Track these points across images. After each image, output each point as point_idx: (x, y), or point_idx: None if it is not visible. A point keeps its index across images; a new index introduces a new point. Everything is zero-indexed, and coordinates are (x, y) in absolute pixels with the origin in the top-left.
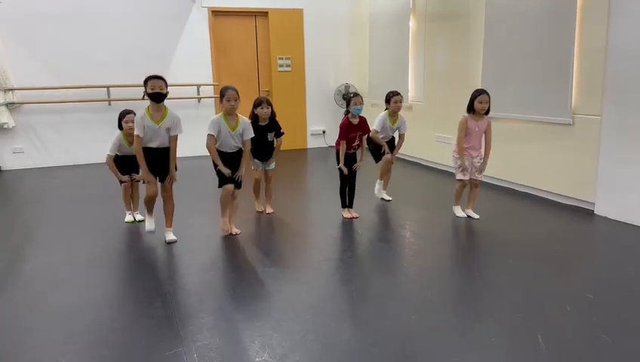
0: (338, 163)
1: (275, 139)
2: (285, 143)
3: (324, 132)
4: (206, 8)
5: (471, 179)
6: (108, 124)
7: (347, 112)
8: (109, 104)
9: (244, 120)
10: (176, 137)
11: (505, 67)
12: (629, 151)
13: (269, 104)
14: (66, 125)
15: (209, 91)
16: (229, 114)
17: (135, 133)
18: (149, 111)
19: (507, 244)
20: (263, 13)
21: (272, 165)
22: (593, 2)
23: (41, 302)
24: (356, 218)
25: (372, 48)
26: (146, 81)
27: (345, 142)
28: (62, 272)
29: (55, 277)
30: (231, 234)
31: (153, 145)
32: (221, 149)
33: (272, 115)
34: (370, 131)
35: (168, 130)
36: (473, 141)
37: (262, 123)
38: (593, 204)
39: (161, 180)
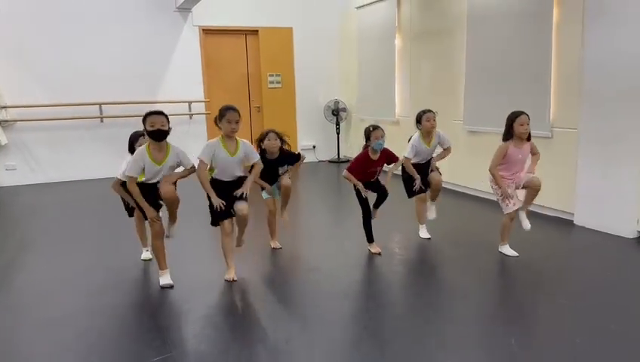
0: (357, 193)
1: (286, 171)
2: None
3: (314, 147)
4: (197, 27)
5: (525, 185)
6: (100, 141)
7: (366, 146)
8: (102, 121)
9: (245, 143)
10: (190, 170)
11: (486, 82)
12: (605, 162)
13: (278, 136)
14: (58, 142)
15: (200, 108)
16: (228, 137)
17: (127, 173)
18: (150, 149)
19: (491, 253)
20: (254, 32)
21: (276, 193)
22: (568, 19)
23: (32, 312)
24: (379, 253)
25: (360, 65)
26: (145, 118)
27: (360, 174)
28: (53, 284)
29: (46, 289)
30: (234, 280)
31: (152, 181)
32: (219, 178)
33: (282, 146)
34: (397, 159)
35: (173, 168)
36: (516, 168)
37: (270, 157)
38: (572, 214)
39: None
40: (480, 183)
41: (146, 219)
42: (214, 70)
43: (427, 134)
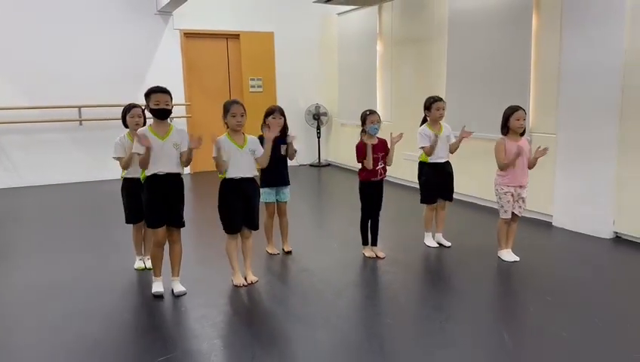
0: (361, 193)
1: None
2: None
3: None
4: (178, 30)
5: (515, 213)
6: (79, 144)
7: (362, 131)
8: (81, 124)
9: (252, 137)
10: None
11: (467, 88)
12: (582, 166)
13: (282, 113)
14: (36, 145)
15: (181, 111)
16: (235, 131)
17: (134, 150)
18: (152, 127)
19: (474, 255)
20: (235, 36)
21: (287, 194)
22: (547, 27)
23: (24, 318)
24: (382, 258)
25: (341, 70)
26: (148, 94)
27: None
28: (41, 291)
29: (33, 295)
30: (245, 284)
31: (160, 169)
32: (231, 176)
33: (285, 126)
34: (388, 150)
35: (177, 146)
36: (517, 165)
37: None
38: (551, 216)
39: (172, 223)
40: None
41: (149, 225)
42: (195, 74)
43: (434, 123)
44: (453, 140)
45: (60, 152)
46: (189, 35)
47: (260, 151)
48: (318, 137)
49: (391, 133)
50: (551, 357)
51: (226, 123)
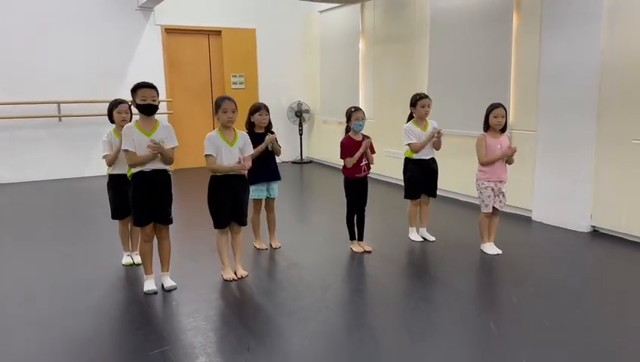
0: (346, 190)
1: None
2: None
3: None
4: (159, 26)
5: (495, 207)
6: (58, 141)
7: (348, 129)
8: (60, 120)
9: (242, 133)
10: (173, 150)
11: (449, 87)
12: (561, 162)
13: (267, 110)
14: (14, 141)
15: (162, 107)
16: (226, 127)
17: (123, 147)
18: (138, 123)
19: (457, 248)
20: (217, 32)
21: (277, 190)
22: (527, 28)
23: (14, 313)
24: (369, 252)
25: (323, 67)
26: (134, 90)
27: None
28: (27, 287)
29: (20, 292)
30: (234, 279)
31: (146, 166)
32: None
33: (269, 123)
34: (373, 152)
35: (162, 142)
36: (496, 163)
37: (258, 131)
38: (531, 211)
39: (159, 221)
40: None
41: (135, 223)
42: (177, 70)
43: (420, 121)
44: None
45: (39, 149)
46: (170, 31)
47: (248, 150)
48: (300, 134)
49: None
50: (534, 343)
51: (217, 118)
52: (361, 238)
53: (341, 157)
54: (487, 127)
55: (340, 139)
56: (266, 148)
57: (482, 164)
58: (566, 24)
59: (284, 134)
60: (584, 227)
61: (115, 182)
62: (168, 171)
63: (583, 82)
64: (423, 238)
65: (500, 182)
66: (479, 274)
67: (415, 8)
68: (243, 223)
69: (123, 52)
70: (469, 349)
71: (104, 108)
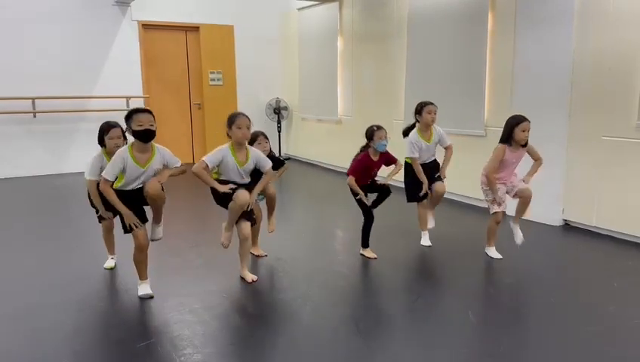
0: (355, 195)
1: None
2: None
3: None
4: (136, 22)
5: (518, 194)
6: (33, 137)
7: (366, 147)
8: (35, 116)
9: (255, 152)
10: (179, 168)
11: (426, 83)
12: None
13: (267, 138)
14: None
15: (139, 103)
16: (239, 144)
17: (103, 174)
18: (133, 151)
19: (436, 239)
20: (194, 28)
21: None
22: (502, 29)
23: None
24: (375, 258)
25: (302, 64)
26: (129, 116)
27: (357, 176)
28: (10, 281)
29: (6, 285)
30: (252, 280)
31: (132, 187)
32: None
33: (271, 153)
34: (396, 160)
35: (157, 171)
36: (508, 172)
37: None
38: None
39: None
40: None
41: (126, 230)
42: (154, 66)
43: (426, 128)
44: (447, 142)
45: (14, 145)
46: (147, 27)
47: (266, 163)
48: (279, 131)
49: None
50: (512, 330)
51: (228, 135)
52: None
53: (348, 173)
54: (507, 139)
55: (322, 140)
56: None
57: (487, 172)
58: (539, 25)
59: (264, 132)
60: (556, 221)
61: (123, 196)
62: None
63: (556, 81)
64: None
65: (504, 184)
66: (455, 266)
67: (393, 7)
68: (252, 220)
69: (99, 48)
70: (450, 338)
71: (80, 104)
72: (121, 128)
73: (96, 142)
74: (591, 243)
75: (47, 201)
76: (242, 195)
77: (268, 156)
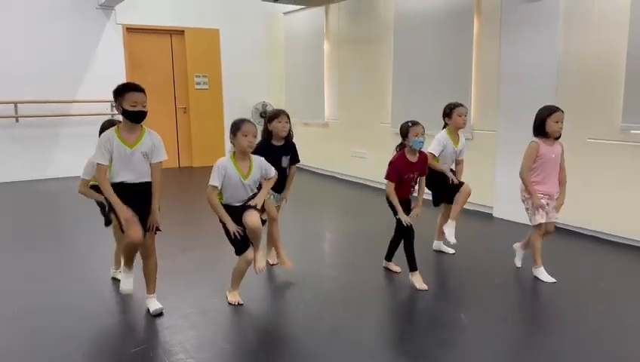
0: (394, 213)
1: (289, 167)
2: (204, 160)
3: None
4: (120, 25)
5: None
6: (15, 142)
7: (401, 146)
8: (17, 120)
9: (259, 160)
10: (159, 166)
11: (412, 87)
12: (520, 160)
13: (288, 117)
14: None
15: None
16: (243, 154)
17: (93, 158)
18: (119, 131)
19: (425, 240)
20: (179, 32)
21: (275, 200)
22: (487, 32)
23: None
24: (398, 272)
25: (288, 68)
26: (120, 92)
27: (396, 184)
28: (3, 285)
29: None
30: (240, 303)
31: (127, 178)
32: (227, 203)
33: (290, 134)
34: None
35: (146, 155)
36: (549, 171)
37: (276, 143)
38: (492, 207)
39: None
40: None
41: (107, 222)
42: (139, 70)
43: (455, 132)
44: (462, 156)
45: None
46: (131, 31)
47: (270, 172)
48: (264, 138)
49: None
50: (503, 330)
51: (232, 143)
52: (414, 268)
53: (385, 178)
54: (540, 132)
55: (314, 143)
56: (280, 163)
57: (522, 174)
58: (524, 28)
59: None
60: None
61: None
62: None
63: (541, 84)
64: (440, 251)
65: (549, 196)
66: (444, 269)
67: (379, 11)
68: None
69: (83, 51)
70: (443, 338)
71: (63, 108)
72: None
73: (82, 146)
74: (575, 243)
75: (31, 207)
76: (250, 218)
77: (287, 141)
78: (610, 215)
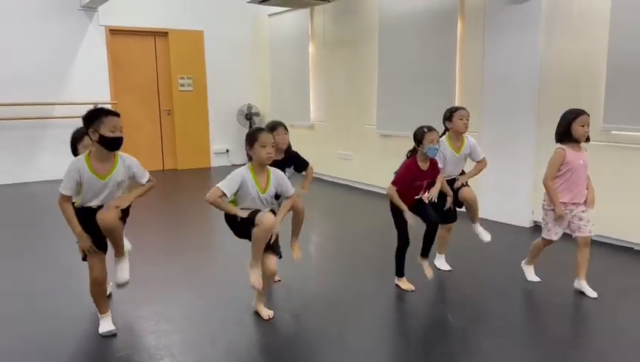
0: (396, 222)
1: (293, 175)
2: (188, 162)
3: (227, 151)
4: (103, 27)
5: (578, 237)
6: None
7: (414, 151)
8: None
9: (277, 173)
10: (149, 184)
11: (397, 89)
12: (503, 161)
13: (286, 129)
14: None
15: None
16: (261, 166)
17: (60, 189)
18: (90, 159)
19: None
20: (163, 34)
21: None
22: (471, 35)
23: None
24: (413, 291)
25: (273, 70)
26: (96, 117)
27: (402, 191)
28: None
29: None
30: (268, 317)
31: (94, 203)
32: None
33: (290, 145)
34: (438, 172)
35: (121, 185)
36: (576, 179)
37: (277, 156)
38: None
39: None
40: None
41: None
42: (122, 72)
43: (456, 137)
44: (480, 156)
45: None
46: (114, 32)
47: (288, 190)
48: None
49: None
50: (490, 329)
51: (249, 155)
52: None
53: (393, 183)
54: (565, 138)
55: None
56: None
57: (545, 182)
58: (507, 31)
59: (234, 137)
60: (527, 222)
61: (85, 215)
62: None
63: (524, 85)
64: (438, 268)
65: (574, 204)
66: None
67: (364, 14)
68: (277, 253)
69: (65, 53)
70: (430, 342)
71: (46, 111)
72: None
73: (65, 149)
74: (560, 244)
75: (14, 210)
76: (267, 218)
77: (288, 153)
78: (590, 215)
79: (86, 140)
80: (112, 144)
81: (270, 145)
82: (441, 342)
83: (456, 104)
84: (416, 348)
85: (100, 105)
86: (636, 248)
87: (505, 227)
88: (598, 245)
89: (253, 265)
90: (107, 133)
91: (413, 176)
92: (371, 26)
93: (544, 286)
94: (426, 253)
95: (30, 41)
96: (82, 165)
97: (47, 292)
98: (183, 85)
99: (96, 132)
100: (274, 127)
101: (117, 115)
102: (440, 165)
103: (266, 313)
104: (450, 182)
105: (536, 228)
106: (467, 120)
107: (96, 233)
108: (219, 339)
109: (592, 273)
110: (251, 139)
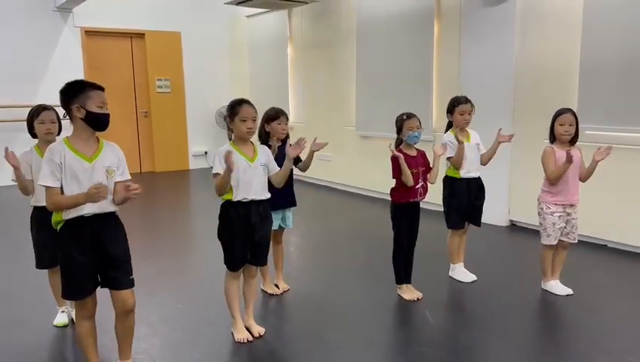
0: (394, 224)
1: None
2: (166, 165)
3: (205, 153)
4: (79, 28)
5: (565, 241)
6: None
7: (399, 141)
8: None
9: (263, 147)
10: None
11: (375, 90)
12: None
13: (287, 119)
14: None
15: None
16: (242, 140)
17: (40, 182)
18: (71, 142)
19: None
20: (140, 35)
21: (291, 219)
22: (447, 35)
23: None
24: (420, 299)
25: (252, 71)
26: (81, 90)
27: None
28: None
29: None
30: (249, 340)
31: (85, 209)
32: (239, 198)
33: (288, 136)
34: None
35: (111, 172)
36: (568, 179)
37: (274, 145)
38: None
39: (111, 286)
40: (368, 183)
41: (66, 296)
42: (98, 74)
43: (461, 131)
44: (483, 150)
45: None
46: (90, 34)
47: (275, 167)
48: (230, 139)
49: (433, 146)
50: (468, 327)
51: (230, 129)
52: (409, 280)
53: (393, 177)
54: (551, 136)
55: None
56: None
57: (551, 179)
58: (483, 32)
59: (212, 139)
60: (503, 221)
61: (41, 217)
62: (116, 213)
63: (500, 86)
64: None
65: (571, 206)
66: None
67: (342, 15)
68: (263, 263)
69: (40, 55)
70: (411, 338)
71: (19, 113)
72: (56, 112)
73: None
74: (535, 242)
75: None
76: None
77: (283, 144)
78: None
79: (43, 115)
80: (102, 121)
81: (251, 119)
82: (423, 341)
83: (434, 105)
84: (399, 345)
85: (84, 80)
86: (610, 246)
87: (482, 226)
88: (573, 245)
89: (233, 323)
90: (95, 109)
91: (398, 163)
92: (349, 27)
93: (517, 286)
94: (401, 279)
95: (2, 42)
96: (62, 146)
97: (19, 298)
98: (160, 87)
99: (82, 108)
100: (277, 115)
101: (102, 88)
102: (453, 153)
103: (257, 329)
104: (474, 182)
105: (513, 226)
106: (469, 115)
107: (96, 259)
108: (198, 343)
109: (567, 271)
110: (231, 111)
